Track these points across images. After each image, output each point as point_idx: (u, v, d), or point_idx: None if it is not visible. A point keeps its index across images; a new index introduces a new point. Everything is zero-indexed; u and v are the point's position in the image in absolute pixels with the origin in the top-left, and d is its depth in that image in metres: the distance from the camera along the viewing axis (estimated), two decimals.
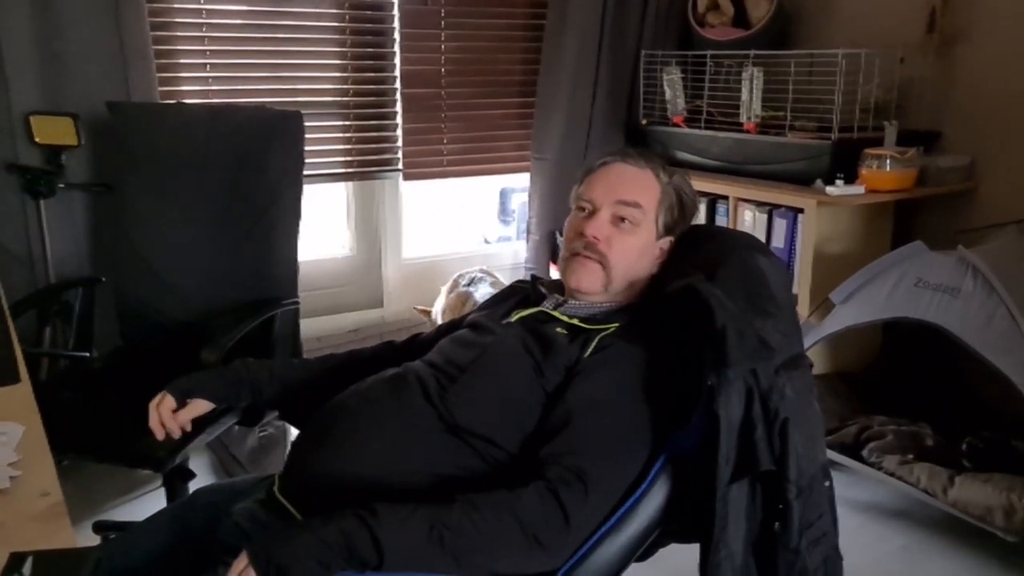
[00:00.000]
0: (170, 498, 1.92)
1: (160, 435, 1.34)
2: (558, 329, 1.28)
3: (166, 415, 1.33)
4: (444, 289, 3.05)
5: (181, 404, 1.35)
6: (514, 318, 1.34)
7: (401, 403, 1.21)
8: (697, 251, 1.36)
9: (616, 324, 1.27)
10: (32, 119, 2.28)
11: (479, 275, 3.04)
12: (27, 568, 0.85)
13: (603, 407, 1.16)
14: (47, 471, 1.08)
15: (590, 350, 1.22)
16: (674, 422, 1.19)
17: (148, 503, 2.33)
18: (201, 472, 2.32)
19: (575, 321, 1.30)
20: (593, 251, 1.32)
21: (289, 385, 1.44)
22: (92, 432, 1.86)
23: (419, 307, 3.10)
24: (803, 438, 1.15)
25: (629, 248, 1.33)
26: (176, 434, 1.34)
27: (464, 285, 2.99)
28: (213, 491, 1.38)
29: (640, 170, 1.37)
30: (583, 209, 1.36)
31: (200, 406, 1.37)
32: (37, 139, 2.29)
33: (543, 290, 1.42)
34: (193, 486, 1.88)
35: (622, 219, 1.33)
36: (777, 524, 1.17)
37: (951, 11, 2.60)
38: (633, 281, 1.36)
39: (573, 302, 1.35)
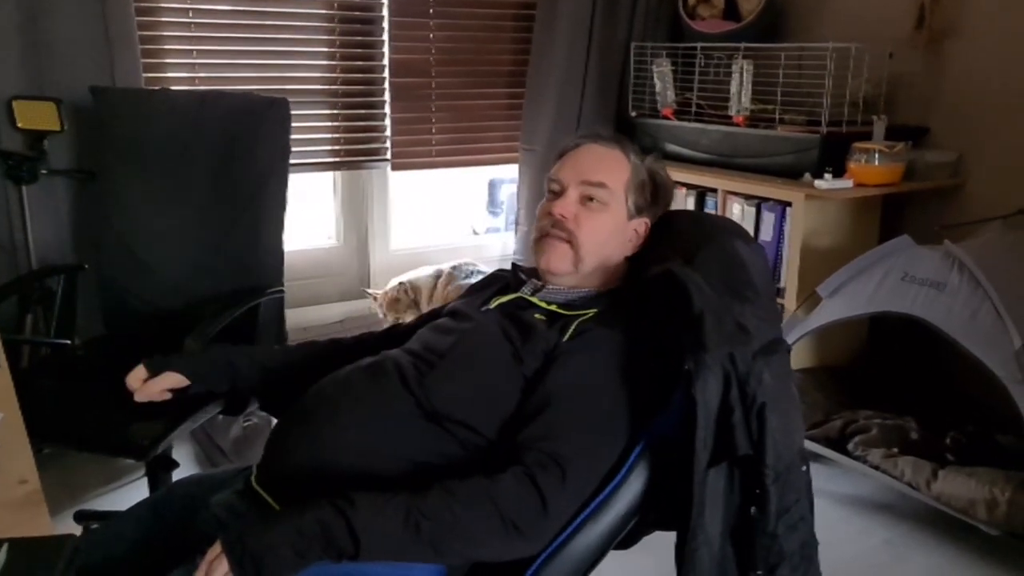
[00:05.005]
0: (153, 487, 1.91)
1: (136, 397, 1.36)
2: (536, 315, 1.28)
3: (135, 383, 1.35)
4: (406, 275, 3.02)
5: (154, 376, 1.36)
6: (493, 304, 1.33)
7: (379, 390, 1.20)
8: (677, 236, 1.36)
9: (595, 310, 1.27)
10: (14, 103, 2.26)
11: (466, 265, 3.02)
12: (2, 554, 0.84)
13: (581, 392, 1.15)
14: (25, 458, 1.07)
15: (568, 335, 1.22)
16: (654, 406, 1.19)
17: (131, 492, 2.32)
18: (184, 462, 2.31)
19: (553, 307, 1.29)
20: (561, 229, 1.32)
21: (268, 371, 1.44)
22: (74, 420, 1.85)
23: (370, 290, 3.05)
24: (780, 423, 1.15)
25: (598, 227, 1.33)
26: (142, 397, 1.36)
27: (461, 279, 2.96)
28: (192, 482, 1.37)
29: (609, 150, 1.37)
30: (553, 192, 1.36)
31: (173, 377, 1.37)
32: (19, 124, 2.27)
33: (523, 276, 1.41)
34: (176, 475, 1.87)
35: (590, 199, 1.33)
36: (754, 509, 1.17)
37: (940, 7, 2.60)
38: (606, 263, 1.35)
39: (551, 287, 1.34)
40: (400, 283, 2.97)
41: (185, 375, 1.38)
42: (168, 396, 1.38)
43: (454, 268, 3.00)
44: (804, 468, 1.22)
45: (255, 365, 1.43)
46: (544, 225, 1.34)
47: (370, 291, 3.04)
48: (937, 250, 2.17)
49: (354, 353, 1.36)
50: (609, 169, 1.35)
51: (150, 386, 1.36)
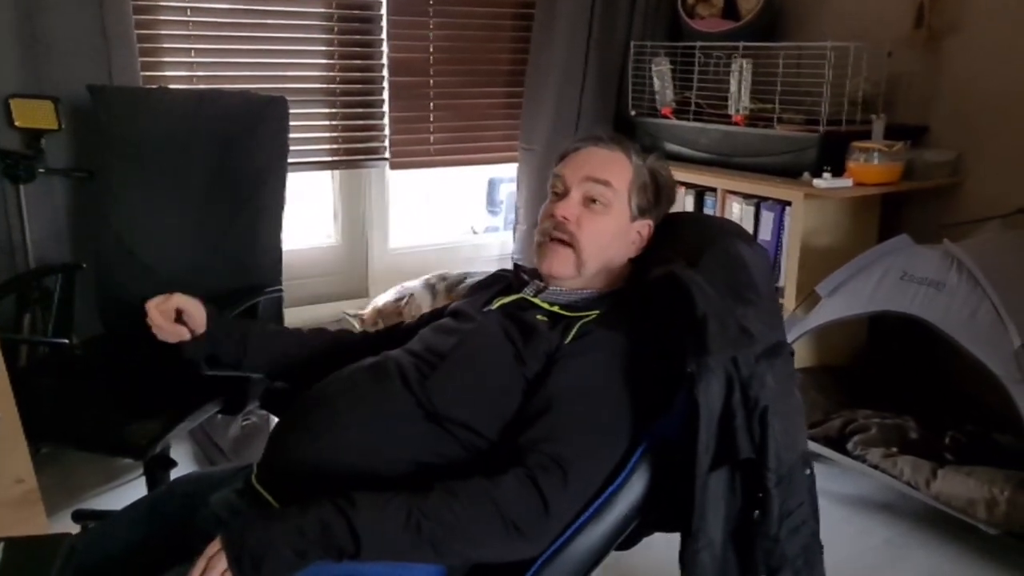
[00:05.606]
0: (151, 487, 1.91)
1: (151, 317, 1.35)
2: (539, 316, 1.27)
3: (152, 310, 1.34)
4: (394, 289, 2.95)
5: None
6: (495, 305, 1.33)
7: (380, 390, 1.20)
8: (680, 238, 1.36)
9: (597, 311, 1.26)
10: (12, 102, 2.25)
11: (455, 276, 2.98)
12: None
13: (583, 394, 1.15)
14: (22, 458, 1.07)
15: (570, 337, 1.21)
16: (656, 409, 1.19)
17: (129, 492, 2.31)
18: (183, 461, 2.30)
19: (556, 308, 1.29)
20: (563, 232, 1.31)
21: (275, 349, 1.45)
22: (72, 420, 1.84)
23: (352, 312, 2.94)
24: (783, 426, 1.15)
25: (601, 230, 1.32)
26: (156, 317, 1.33)
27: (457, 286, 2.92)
28: (191, 481, 1.37)
29: (611, 152, 1.36)
30: (556, 194, 1.36)
31: (189, 300, 1.36)
32: (16, 123, 2.26)
33: (525, 276, 1.41)
34: (175, 475, 1.86)
35: (593, 200, 1.32)
36: (756, 512, 1.16)
37: (939, 6, 2.60)
38: (609, 265, 1.35)
39: (553, 288, 1.34)
40: (406, 295, 2.88)
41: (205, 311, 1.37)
42: (185, 332, 1.36)
43: (443, 278, 2.96)
44: (808, 472, 1.22)
45: (262, 341, 1.43)
46: (546, 227, 1.33)
47: (352, 313, 2.93)
48: (936, 249, 2.17)
49: (357, 351, 1.36)
50: (613, 171, 1.34)
51: (162, 305, 1.34)
